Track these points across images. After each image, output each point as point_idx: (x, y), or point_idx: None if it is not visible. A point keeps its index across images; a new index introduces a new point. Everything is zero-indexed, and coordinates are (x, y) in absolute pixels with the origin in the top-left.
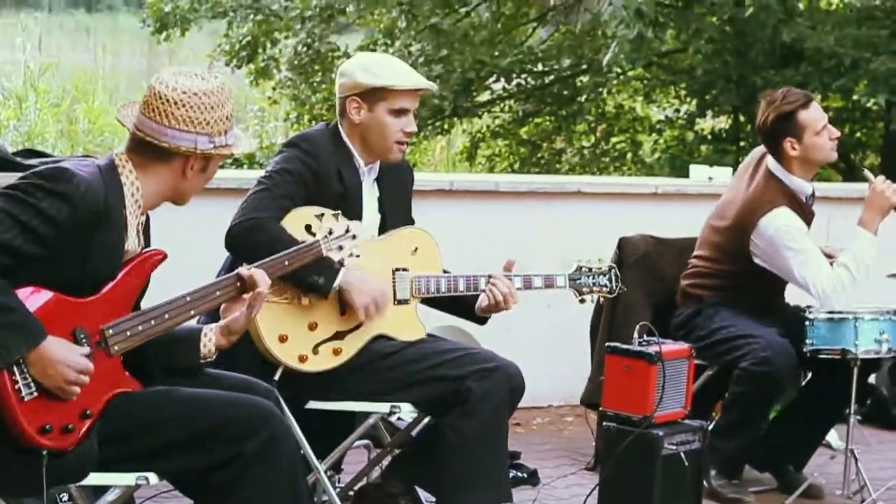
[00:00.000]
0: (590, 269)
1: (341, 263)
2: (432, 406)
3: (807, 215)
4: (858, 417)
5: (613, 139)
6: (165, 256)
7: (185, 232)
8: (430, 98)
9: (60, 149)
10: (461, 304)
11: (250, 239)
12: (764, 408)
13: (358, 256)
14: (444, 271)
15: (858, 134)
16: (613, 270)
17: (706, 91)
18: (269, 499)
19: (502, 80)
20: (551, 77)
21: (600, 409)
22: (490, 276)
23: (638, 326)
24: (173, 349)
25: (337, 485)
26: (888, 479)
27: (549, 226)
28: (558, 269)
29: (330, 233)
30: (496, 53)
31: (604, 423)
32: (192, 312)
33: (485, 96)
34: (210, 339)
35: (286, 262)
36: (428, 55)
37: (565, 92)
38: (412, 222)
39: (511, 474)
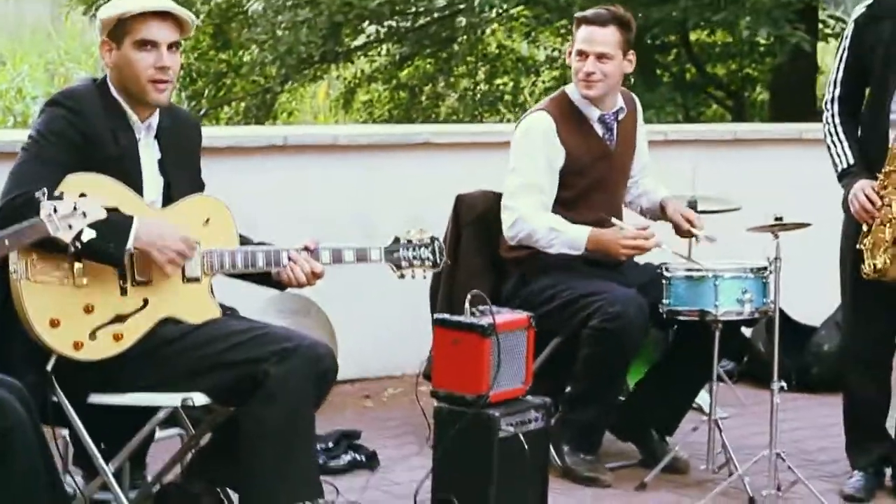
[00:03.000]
0: (409, 241)
1: (74, 243)
2: (228, 394)
3: (591, 143)
4: (723, 381)
5: (497, 81)
6: None
7: None
8: (296, 45)
9: None
10: (260, 275)
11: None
12: (620, 369)
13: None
14: (242, 239)
15: (748, 70)
16: (437, 242)
17: None
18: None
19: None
20: (427, 18)
21: (431, 388)
22: (290, 254)
23: (469, 295)
24: None
25: (143, 482)
26: (760, 448)
27: (395, 182)
28: (406, 228)
29: (55, 210)
30: None
31: (435, 404)
32: None
33: (361, 40)
34: None
35: (6, 243)
36: None
37: (443, 34)
38: (202, 186)
39: (348, 458)
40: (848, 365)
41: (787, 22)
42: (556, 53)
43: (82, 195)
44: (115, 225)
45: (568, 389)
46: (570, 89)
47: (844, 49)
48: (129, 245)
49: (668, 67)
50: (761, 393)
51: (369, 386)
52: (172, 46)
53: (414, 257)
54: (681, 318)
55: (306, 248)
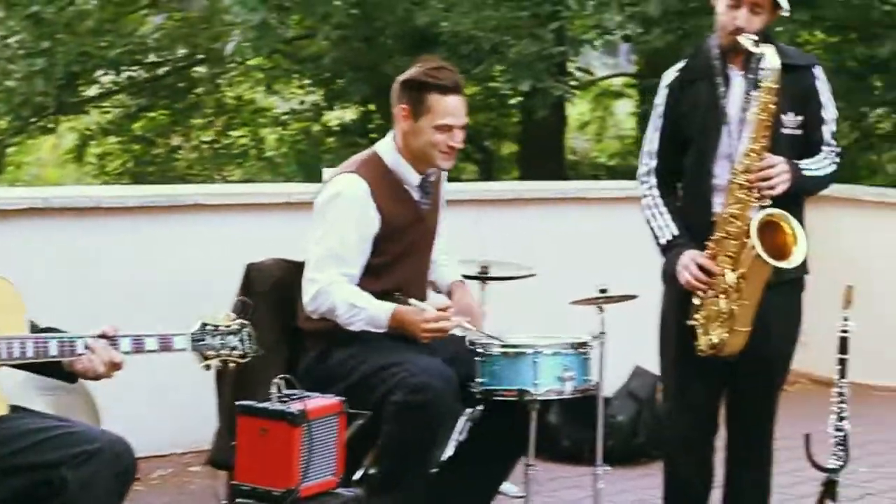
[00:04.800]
0: (216, 327)
1: None
2: (21, 502)
3: (406, 208)
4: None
5: (234, 133)
6: None
7: None
8: (32, 95)
9: None
10: (48, 365)
11: None
12: (427, 446)
13: None
14: (33, 326)
15: (495, 123)
16: (246, 329)
17: (334, 80)
18: None
19: (112, 72)
20: (166, 68)
21: (233, 482)
22: (87, 342)
23: (278, 379)
24: None
25: None
26: None
27: (164, 247)
28: (178, 301)
29: None
30: (103, 44)
31: (237, 500)
32: None
33: (94, 90)
34: None
35: None
36: (29, 48)
37: (181, 84)
38: None
39: None
40: (671, 446)
41: (549, 74)
42: (301, 105)
43: None
44: None
45: (370, 471)
46: (384, 151)
47: (659, 117)
48: None
49: None
50: (555, 468)
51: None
52: None
53: (221, 346)
54: (497, 397)
55: (104, 336)
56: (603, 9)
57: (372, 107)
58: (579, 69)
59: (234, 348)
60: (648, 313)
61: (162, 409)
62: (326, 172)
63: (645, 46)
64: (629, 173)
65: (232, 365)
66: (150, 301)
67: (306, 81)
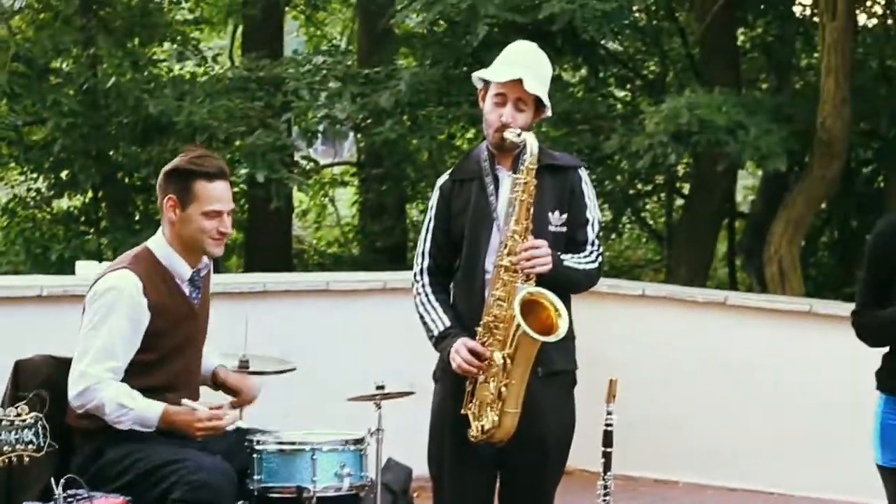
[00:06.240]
0: (11, 423)
1: None
2: None
3: (178, 303)
4: None
5: None
6: None
7: None
8: None
9: None
10: None
11: None
12: None
13: None
14: None
15: None
16: (41, 422)
17: (63, 168)
18: None
19: None
20: None
21: None
22: None
23: (64, 479)
24: None
25: None
26: None
27: None
28: None
29: None
30: None
31: None
32: None
33: None
34: None
35: None
36: None
37: None
38: None
39: None
40: None
41: (282, 164)
42: (28, 192)
43: None
44: None
45: None
46: (154, 245)
47: (431, 219)
48: None
49: (148, 209)
50: None
51: None
52: None
53: (17, 440)
54: (273, 494)
55: None
56: (335, 100)
57: (100, 194)
58: (304, 158)
59: (29, 442)
60: (395, 408)
61: None
62: (80, 266)
63: (377, 138)
64: (357, 263)
65: (27, 460)
66: None
67: (26, 168)
